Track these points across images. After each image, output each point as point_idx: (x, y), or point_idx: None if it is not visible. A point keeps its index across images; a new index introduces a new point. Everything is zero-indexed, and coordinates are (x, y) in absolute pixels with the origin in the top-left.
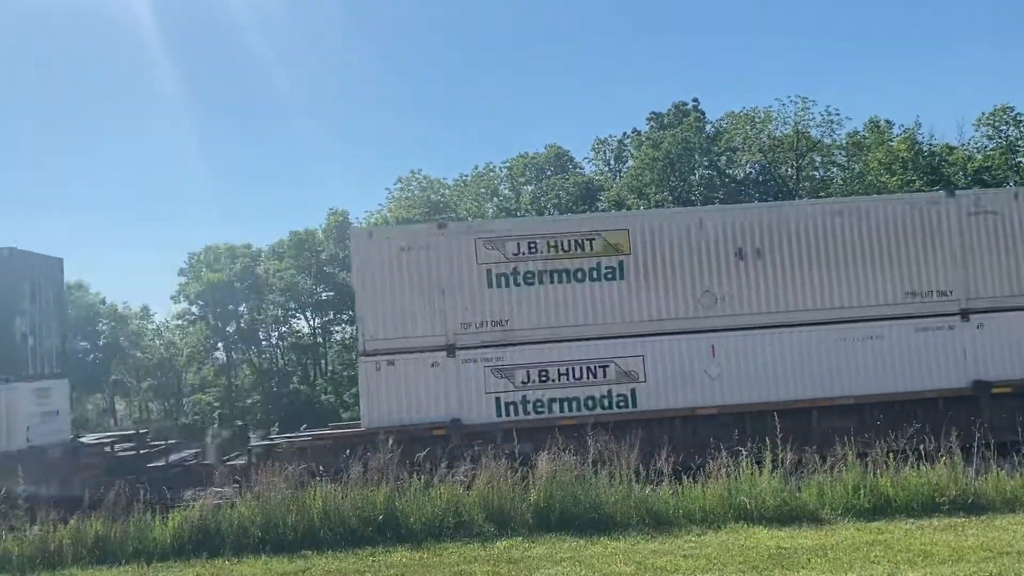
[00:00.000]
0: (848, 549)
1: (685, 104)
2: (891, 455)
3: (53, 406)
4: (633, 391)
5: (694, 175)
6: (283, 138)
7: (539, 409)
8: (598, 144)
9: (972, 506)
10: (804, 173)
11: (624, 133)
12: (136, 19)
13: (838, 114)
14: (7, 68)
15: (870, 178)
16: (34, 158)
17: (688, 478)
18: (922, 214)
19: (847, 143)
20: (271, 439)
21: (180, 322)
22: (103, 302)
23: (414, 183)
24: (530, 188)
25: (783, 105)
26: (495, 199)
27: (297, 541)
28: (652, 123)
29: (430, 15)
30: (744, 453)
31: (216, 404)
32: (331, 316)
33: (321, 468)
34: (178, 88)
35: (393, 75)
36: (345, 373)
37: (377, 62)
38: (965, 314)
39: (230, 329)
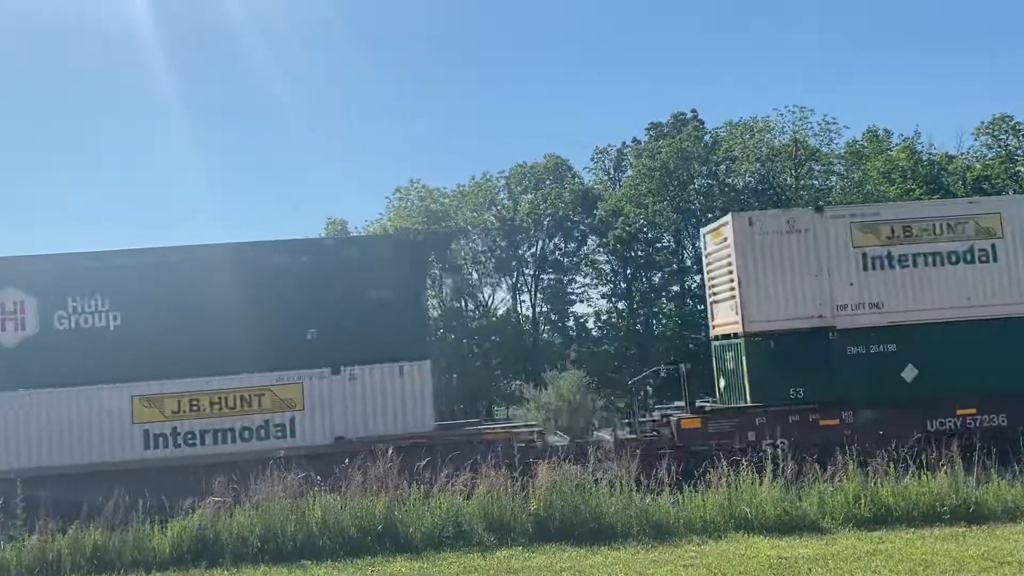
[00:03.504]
0: (849, 559)
1: (684, 114)
2: (892, 464)
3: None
4: None
5: (693, 184)
6: (282, 147)
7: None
8: (597, 153)
9: (973, 515)
10: (803, 182)
11: (623, 143)
12: (134, 26)
13: (836, 123)
14: (6, 76)
15: (869, 187)
16: (33, 165)
17: (689, 487)
18: None
19: (846, 152)
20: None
21: None
22: None
23: (412, 193)
24: (528, 197)
25: (781, 114)
26: (493, 208)
27: (296, 550)
28: (651, 133)
29: (430, 25)
30: (744, 462)
31: None
32: None
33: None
34: (177, 95)
35: (392, 84)
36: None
37: (376, 71)
38: None
39: None
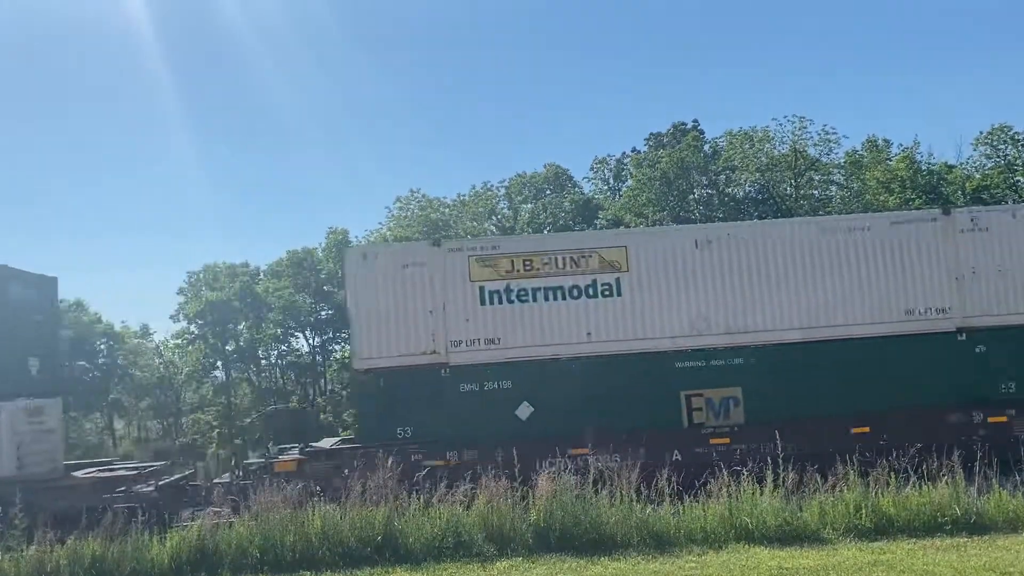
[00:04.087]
0: (850, 569)
1: (684, 124)
2: (893, 474)
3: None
4: None
5: (693, 194)
6: (283, 156)
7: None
8: (597, 163)
9: (974, 526)
10: (802, 192)
11: (623, 152)
12: (136, 37)
13: (835, 133)
14: (8, 86)
15: (868, 197)
16: (33, 177)
17: (689, 497)
18: None
19: (845, 162)
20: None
21: (179, 341)
22: (99, 320)
23: (413, 203)
24: (528, 207)
25: (780, 124)
26: (493, 217)
27: (295, 561)
28: (650, 143)
29: (430, 35)
30: (745, 472)
31: (215, 423)
32: (330, 335)
33: (318, 487)
34: (179, 107)
35: (393, 94)
36: (344, 392)
37: (378, 81)
38: None
39: (229, 348)
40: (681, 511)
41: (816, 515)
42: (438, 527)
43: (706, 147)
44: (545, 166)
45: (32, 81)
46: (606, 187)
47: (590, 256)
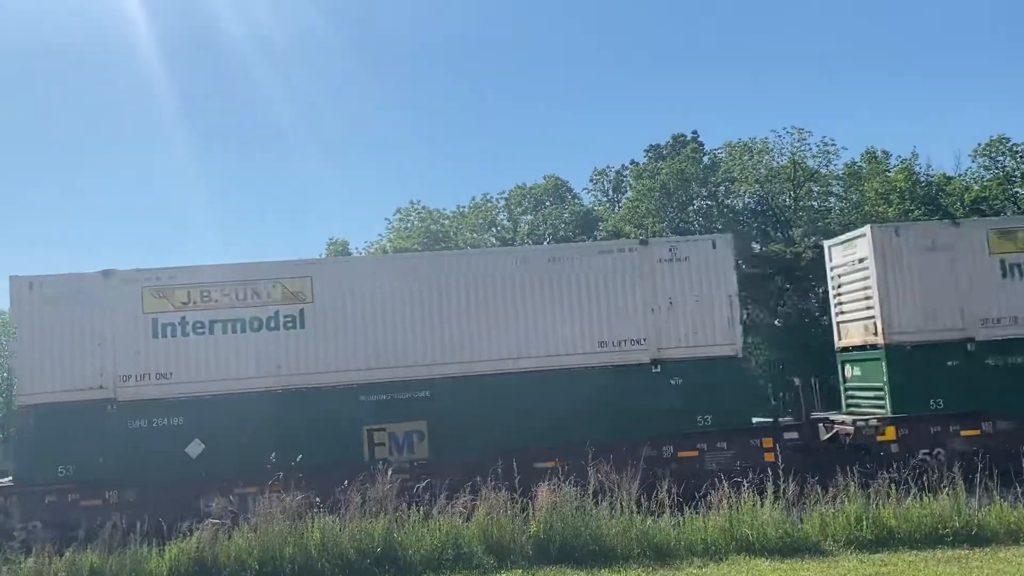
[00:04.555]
0: None
1: (683, 136)
2: (894, 486)
3: None
4: None
5: (692, 205)
6: (283, 167)
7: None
8: (596, 175)
9: (976, 538)
10: (801, 203)
11: (623, 164)
12: (136, 49)
13: (834, 144)
14: (5, 100)
15: (867, 208)
16: (33, 188)
17: (689, 509)
18: None
19: (844, 173)
20: None
21: None
22: None
23: (413, 214)
24: (528, 218)
25: (779, 136)
26: (493, 229)
27: (294, 573)
28: (650, 155)
29: (430, 47)
30: (746, 484)
31: None
32: None
33: None
34: (178, 116)
35: (393, 106)
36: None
37: (378, 93)
38: None
39: None
40: (681, 523)
41: (817, 527)
42: (438, 539)
43: (705, 158)
44: (545, 177)
45: (31, 93)
46: (605, 199)
47: (273, 287)
